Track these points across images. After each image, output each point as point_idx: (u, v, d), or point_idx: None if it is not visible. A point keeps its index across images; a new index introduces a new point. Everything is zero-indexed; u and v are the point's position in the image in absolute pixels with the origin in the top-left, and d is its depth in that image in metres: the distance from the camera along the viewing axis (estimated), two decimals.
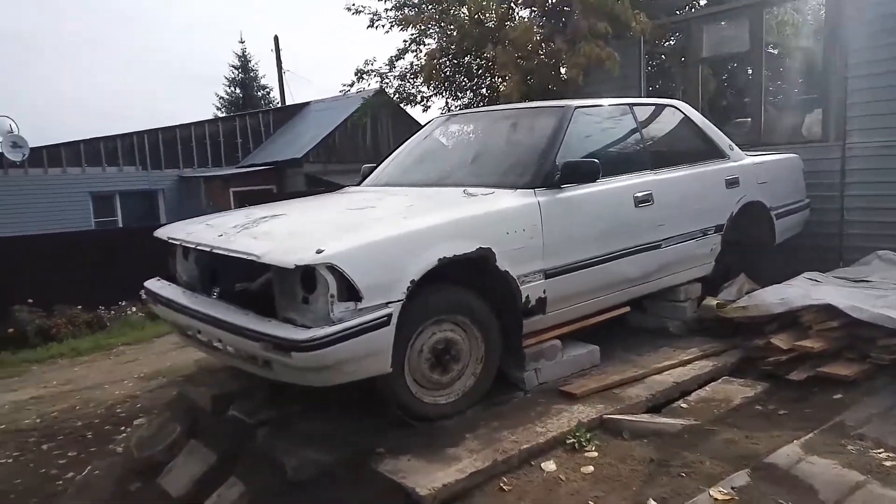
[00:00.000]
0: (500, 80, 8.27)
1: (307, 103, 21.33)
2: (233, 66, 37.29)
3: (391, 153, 4.92)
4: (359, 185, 4.77)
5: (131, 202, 19.17)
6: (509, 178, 3.77)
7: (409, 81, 10.56)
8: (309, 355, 2.82)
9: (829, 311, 3.88)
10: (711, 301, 4.62)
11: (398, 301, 3.00)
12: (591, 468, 3.00)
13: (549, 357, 3.85)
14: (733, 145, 5.05)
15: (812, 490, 2.65)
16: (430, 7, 9.29)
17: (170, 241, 3.76)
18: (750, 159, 5.14)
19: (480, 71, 9.65)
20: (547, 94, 7.28)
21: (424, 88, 10.49)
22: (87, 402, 5.81)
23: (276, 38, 26.26)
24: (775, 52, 8.20)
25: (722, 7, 6.80)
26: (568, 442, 3.18)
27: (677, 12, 7.40)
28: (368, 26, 10.20)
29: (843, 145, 5.77)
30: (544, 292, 3.62)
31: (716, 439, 3.20)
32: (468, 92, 10.63)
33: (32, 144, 16.74)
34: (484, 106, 10.30)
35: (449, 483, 2.81)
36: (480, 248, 3.30)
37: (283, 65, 26.55)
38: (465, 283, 3.36)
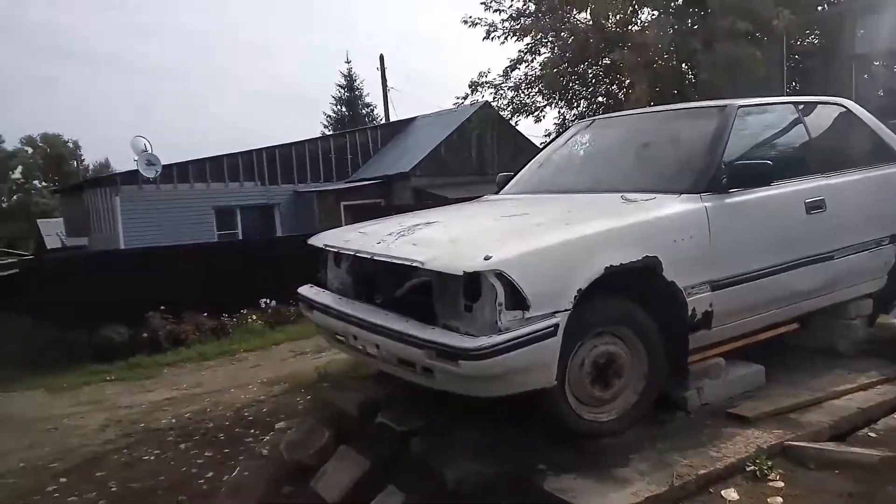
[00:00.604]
0: (624, 86, 8.01)
1: (413, 118, 21.69)
2: (339, 86, 38.78)
3: (530, 160, 4.80)
4: (497, 193, 4.67)
5: (250, 216, 20.04)
6: (672, 183, 3.55)
7: (523, 92, 10.49)
8: (477, 364, 2.72)
9: None
10: (888, 319, 4.20)
11: (565, 311, 2.86)
12: (780, 500, 2.73)
13: (713, 376, 3.58)
14: None
15: None
16: (546, 16, 9.20)
17: (326, 248, 3.79)
18: None
19: (597, 78, 9.45)
20: (678, 100, 6.96)
21: (539, 98, 10.40)
22: (217, 405, 6.01)
23: (381, 57, 26.89)
24: None
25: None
26: (748, 469, 2.93)
27: (818, 8, 6.88)
28: (484, 38, 10.24)
29: None
30: (711, 305, 3.37)
31: None
32: (582, 101, 10.45)
33: (164, 162, 17.83)
34: (601, 114, 10.08)
35: None
36: (647, 256, 3.11)
37: (387, 82, 27.18)
38: (628, 295, 3.17)
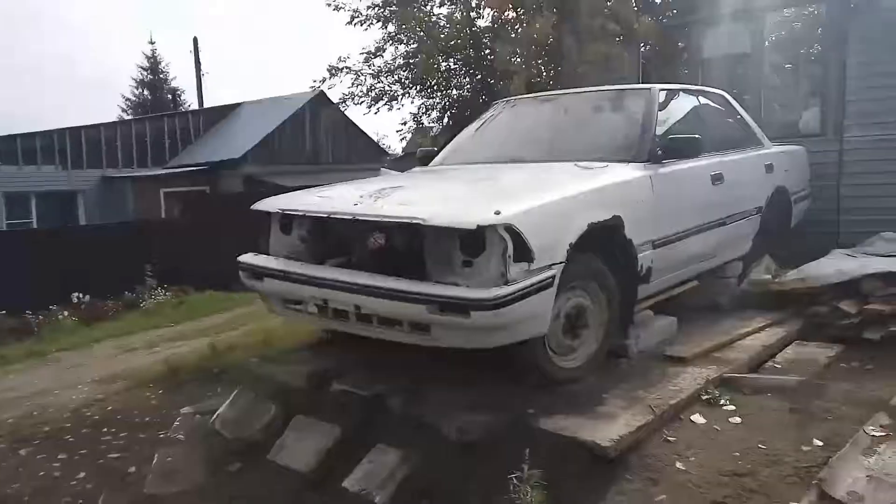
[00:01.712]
0: (498, 77, 8.42)
1: (239, 104, 20.75)
2: (142, 68, 35.88)
3: (455, 136, 4.96)
4: (427, 165, 4.76)
5: (48, 203, 17.97)
6: (618, 153, 3.90)
7: (382, 79, 10.58)
8: (489, 314, 2.84)
9: (888, 278, 4.25)
10: (760, 276, 4.93)
11: (560, 263, 3.07)
12: (739, 419, 3.16)
13: (645, 326, 4.00)
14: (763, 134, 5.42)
15: None
16: (413, 7, 9.40)
17: (284, 212, 3.65)
18: (777, 148, 5.52)
19: (468, 70, 9.80)
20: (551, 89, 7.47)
21: (397, 87, 10.55)
22: (45, 408, 5.40)
23: (195, 40, 25.50)
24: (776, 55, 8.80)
25: (723, 10, 7.25)
26: (703, 398, 3.34)
27: (669, 14, 7.78)
28: (348, 23, 10.17)
29: (840, 139, 6.28)
30: (652, 262, 3.77)
31: (834, 389, 3.45)
32: (437, 93, 10.76)
33: None
34: (457, 106, 10.49)
35: (623, 435, 2.89)
36: (615, 215, 3.41)
37: (201, 66, 25.74)
38: (595, 251, 3.45)
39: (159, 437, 4.30)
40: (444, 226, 2.95)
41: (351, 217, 3.27)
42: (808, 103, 7.31)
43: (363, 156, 19.55)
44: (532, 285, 2.93)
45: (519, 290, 2.87)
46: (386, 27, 10.03)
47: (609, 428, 2.96)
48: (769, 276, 4.87)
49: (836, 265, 4.66)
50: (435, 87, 10.43)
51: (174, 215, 16.34)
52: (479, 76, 9.28)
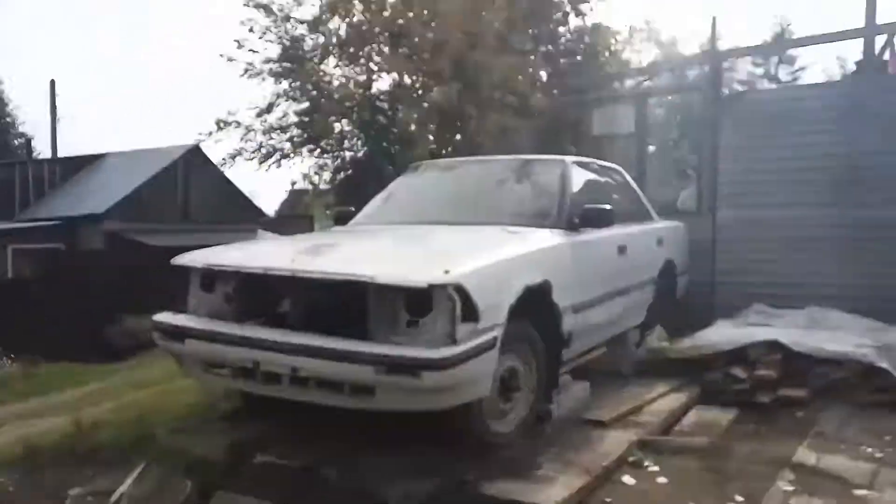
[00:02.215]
0: (397, 142, 8.56)
1: (103, 155, 19.55)
2: None
3: (375, 198, 4.96)
4: (345, 224, 4.72)
5: None
6: (539, 220, 4.08)
7: (272, 136, 10.42)
8: (439, 375, 2.84)
9: (772, 346, 4.67)
10: (656, 344, 5.25)
11: (501, 324, 3.14)
12: (665, 479, 3.32)
13: (565, 391, 4.12)
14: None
15: (843, 478, 3.24)
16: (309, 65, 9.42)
17: (213, 268, 3.47)
18: (664, 223, 5.98)
19: (357, 132, 9.84)
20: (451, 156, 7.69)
21: (287, 145, 10.41)
22: None
23: (52, 83, 23.91)
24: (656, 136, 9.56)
25: (611, 93, 7.88)
26: (630, 460, 3.48)
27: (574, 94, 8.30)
28: (241, 75, 9.99)
29: (713, 217, 6.90)
30: (573, 326, 3.92)
31: (740, 449, 3.71)
32: (329, 154, 10.71)
33: None
34: (348, 169, 10.49)
35: (566, 497, 2.95)
36: (546, 279, 3.54)
37: (57, 111, 24.16)
38: (526, 315, 3.54)
39: None
40: (393, 284, 2.94)
41: (290, 274, 3.17)
42: (684, 183, 8.02)
43: (238, 216, 18.97)
44: (479, 346, 2.97)
45: (467, 351, 2.90)
46: (279, 83, 9.95)
47: (550, 490, 3.01)
48: (666, 344, 5.19)
49: (725, 334, 5.07)
50: (327, 148, 10.40)
51: (24, 275, 14.94)
52: (374, 139, 9.37)
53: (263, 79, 10.08)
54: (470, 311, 2.95)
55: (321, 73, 9.59)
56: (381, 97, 8.98)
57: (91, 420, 7.17)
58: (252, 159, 10.47)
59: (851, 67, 16.68)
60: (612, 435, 3.73)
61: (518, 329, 3.43)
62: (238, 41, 10.03)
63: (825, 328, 5.30)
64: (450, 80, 7.30)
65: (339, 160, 10.66)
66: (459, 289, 2.91)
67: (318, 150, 10.39)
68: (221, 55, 9.89)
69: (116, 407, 8.85)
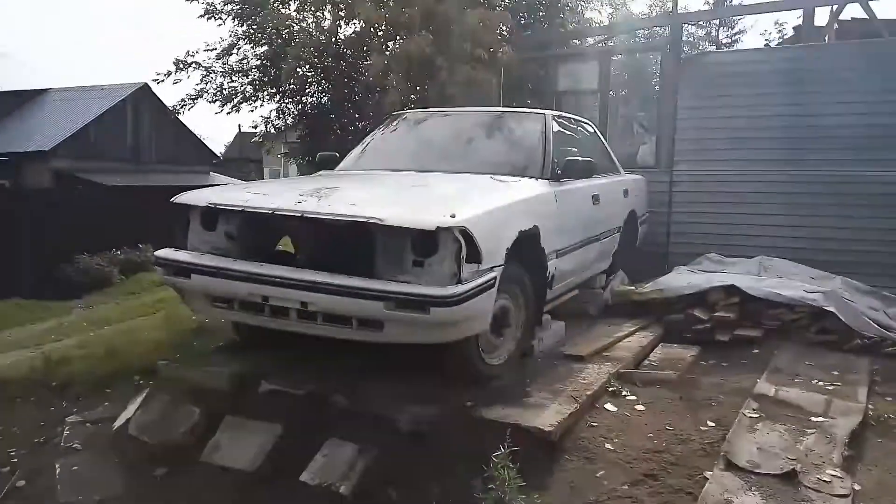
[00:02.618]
0: (368, 91, 8.58)
1: (45, 90, 18.67)
2: None
3: (360, 144, 5.07)
4: (333, 169, 4.84)
5: None
6: (526, 171, 4.30)
7: (233, 78, 10.26)
8: (447, 311, 3.06)
9: (729, 290, 5.06)
10: (620, 288, 5.61)
11: (500, 266, 3.37)
12: (643, 406, 3.66)
13: (545, 328, 4.42)
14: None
15: (801, 407, 3.64)
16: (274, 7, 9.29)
17: (219, 207, 3.56)
18: (628, 175, 6.29)
19: (320, 78, 9.79)
20: (420, 106, 7.80)
21: (249, 88, 10.29)
22: None
23: None
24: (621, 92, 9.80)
25: (574, 50, 8.06)
26: (609, 389, 3.80)
27: (539, 49, 8.45)
28: (201, 16, 9.77)
29: (671, 171, 7.26)
30: (555, 269, 4.20)
31: (706, 381, 4.09)
32: (289, 99, 10.62)
33: None
34: (311, 115, 10.45)
35: (560, 421, 3.25)
36: (535, 225, 3.78)
37: None
38: (516, 258, 3.78)
39: (42, 449, 3.97)
40: (402, 226, 3.13)
41: (300, 214, 3.31)
42: (644, 139, 8.34)
43: (189, 157, 18.58)
44: (481, 285, 3.19)
45: (472, 289, 3.13)
46: (242, 24, 9.79)
47: (545, 415, 3.30)
48: (631, 288, 5.55)
49: (685, 279, 5.46)
50: (288, 92, 10.33)
51: None
52: (337, 86, 9.34)
53: (223, 21, 9.92)
54: (473, 253, 3.17)
55: (287, 18, 9.48)
56: (345, 44, 8.95)
57: (59, 355, 7.23)
58: (214, 101, 10.37)
59: (789, 32, 17.36)
60: (591, 368, 4.05)
61: (510, 271, 3.66)
62: None
63: (775, 275, 5.74)
64: (419, 29, 7.36)
65: (299, 105, 10.62)
66: (465, 232, 3.12)
67: (279, 94, 10.33)
68: None
69: (81, 342, 8.84)
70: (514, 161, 4.44)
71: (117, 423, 3.94)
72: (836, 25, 8.78)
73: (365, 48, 8.31)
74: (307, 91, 10.33)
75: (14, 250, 13.68)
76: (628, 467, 3.06)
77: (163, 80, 10.15)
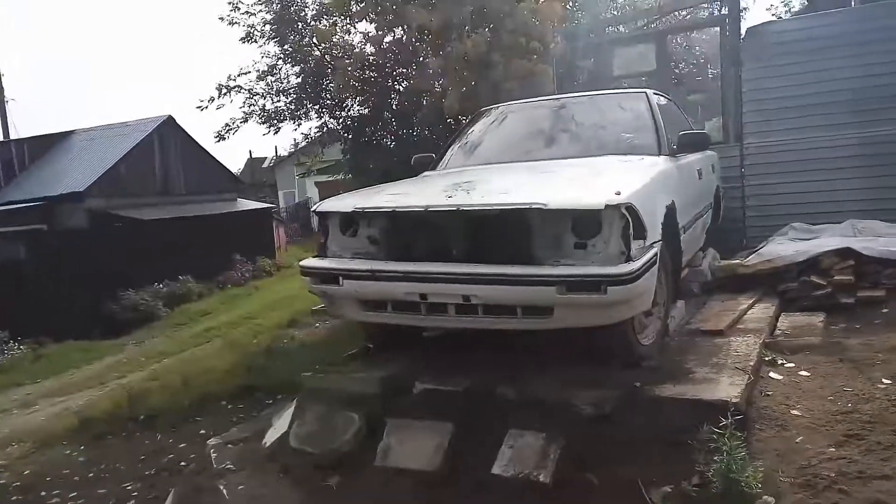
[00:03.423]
0: (419, 94, 8.56)
1: (70, 132, 18.77)
2: None
3: (456, 142, 5.02)
4: (434, 169, 4.80)
5: None
6: (644, 147, 4.25)
7: (272, 99, 10.28)
8: (624, 289, 3.01)
9: (844, 253, 4.99)
10: (724, 262, 5.56)
11: (658, 241, 3.33)
12: (806, 372, 3.60)
13: (678, 306, 4.36)
14: None
15: None
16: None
17: (367, 211, 3.53)
18: (710, 151, 6.22)
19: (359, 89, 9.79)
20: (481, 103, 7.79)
21: (292, 106, 10.30)
22: None
23: None
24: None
25: (631, 33, 8.03)
26: (766, 359, 3.74)
27: (590, 35, 8.44)
28: (242, 39, 9.81)
29: (741, 145, 7.20)
30: (683, 245, 4.14)
31: (852, 343, 4.02)
32: (327, 113, 10.63)
33: None
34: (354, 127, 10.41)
35: (740, 392, 3.18)
36: (673, 200, 3.74)
37: (4, 93, 23.07)
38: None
39: (184, 474, 3.97)
40: (568, 208, 3.09)
41: (455, 208, 3.27)
42: (710, 114, 8.28)
43: (216, 185, 18.63)
44: (649, 261, 3.15)
45: (643, 266, 3.09)
46: (282, 45, 9.83)
47: (722, 388, 3.24)
48: (736, 262, 5.48)
49: (790, 248, 5.38)
50: (328, 108, 10.35)
51: (16, 257, 14.46)
52: (378, 96, 9.32)
53: (260, 42, 9.95)
54: (639, 230, 3.13)
55: (327, 32, 9.50)
56: (390, 52, 8.92)
57: (137, 389, 7.26)
58: (262, 122, 10.38)
59: (795, 6, 17.23)
60: (736, 340, 3.98)
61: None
62: (233, 3, 9.86)
63: (872, 236, 5.66)
64: (472, 27, 7.34)
65: (339, 120, 10.62)
66: (630, 208, 3.08)
67: (322, 109, 10.33)
68: (222, 18, 9.69)
69: (152, 375, 8.91)
70: (630, 140, 4.39)
71: (269, 439, 3.92)
72: None
73: (417, 53, 8.26)
74: (345, 105, 10.32)
75: (59, 292, 13.76)
76: (825, 430, 3.00)
77: (206, 107, 10.14)
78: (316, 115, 10.25)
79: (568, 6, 8.87)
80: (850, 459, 2.76)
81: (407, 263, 3.39)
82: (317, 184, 28.12)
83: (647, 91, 4.81)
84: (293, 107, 10.09)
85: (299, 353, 8.41)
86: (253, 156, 38.35)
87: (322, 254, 3.76)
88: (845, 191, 6.59)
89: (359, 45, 9.40)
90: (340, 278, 3.53)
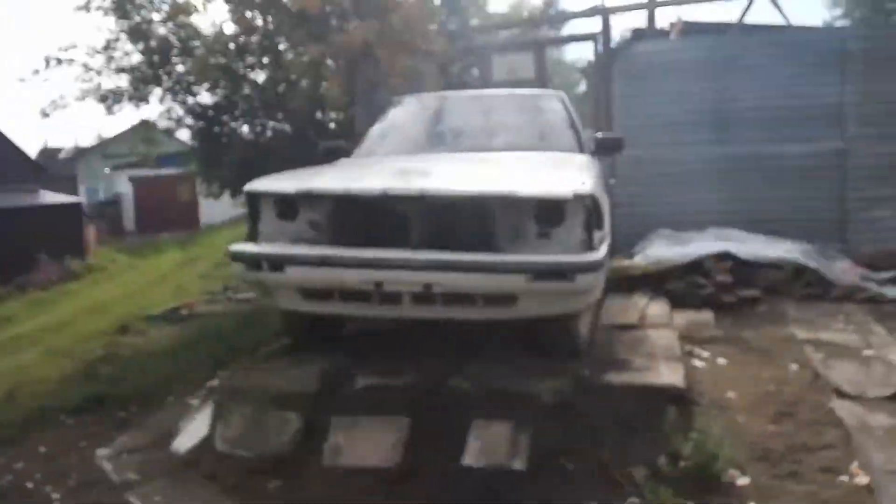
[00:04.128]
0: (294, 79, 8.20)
1: None
2: None
3: (372, 131, 4.84)
4: (351, 157, 4.59)
5: None
6: (570, 146, 4.36)
7: (108, 76, 9.32)
8: (591, 277, 3.08)
9: (722, 256, 5.48)
10: (617, 264, 5.87)
11: (608, 233, 3.43)
12: (723, 360, 3.92)
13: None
14: None
15: (848, 346, 4.08)
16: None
17: (314, 193, 3.28)
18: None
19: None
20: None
21: (131, 88, 9.38)
22: None
23: None
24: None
25: (511, 40, 8.22)
26: (686, 350, 3.98)
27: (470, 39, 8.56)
28: (79, 7, 8.77)
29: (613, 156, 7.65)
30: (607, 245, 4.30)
31: (749, 335, 4.40)
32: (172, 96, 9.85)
33: None
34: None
35: (682, 378, 3.37)
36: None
37: None
38: None
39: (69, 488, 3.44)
40: (538, 196, 3.10)
41: (418, 193, 3.14)
42: (584, 124, 8.69)
43: (14, 173, 16.58)
44: (607, 251, 3.23)
45: (605, 255, 3.16)
46: (124, 18, 8.96)
47: (665, 375, 3.40)
48: (627, 262, 5.81)
49: (671, 251, 5.81)
50: (173, 91, 9.59)
51: None
52: (235, 83, 8.81)
53: (96, 12, 9.01)
54: (598, 221, 3.21)
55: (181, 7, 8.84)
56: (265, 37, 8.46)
57: None
58: (102, 101, 9.36)
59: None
60: (654, 333, 4.18)
61: None
62: None
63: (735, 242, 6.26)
64: (359, 17, 7.19)
65: (191, 107, 9.90)
66: (593, 199, 3.14)
67: (166, 92, 9.57)
68: None
69: None
70: (553, 138, 4.48)
71: (182, 446, 3.53)
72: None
73: (294, 41, 7.92)
74: (193, 91, 9.66)
75: None
76: (760, 411, 3.25)
77: (25, 80, 8.90)
78: (159, 100, 9.46)
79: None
80: (791, 434, 3.01)
81: (362, 250, 3.20)
82: (132, 178, 25.91)
83: (559, 93, 4.97)
84: (134, 87, 9.23)
85: (148, 361, 7.71)
86: (48, 145, 34.63)
87: (252, 239, 3.45)
88: (706, 201, 7.24)
89: (219, 25, 8.83)
90: (284, 265, 3.26)
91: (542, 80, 7.99)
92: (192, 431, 3.58)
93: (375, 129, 4.84)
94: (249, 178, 3.60)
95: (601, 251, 3.14)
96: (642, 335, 4.18)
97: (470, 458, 2.96)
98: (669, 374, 3.39)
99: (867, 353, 3.91)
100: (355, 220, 3.32)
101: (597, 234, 3.18)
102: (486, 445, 3.00)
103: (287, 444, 3.26)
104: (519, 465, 2.90)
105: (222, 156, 9.48)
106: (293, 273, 3.25)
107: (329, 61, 7.51)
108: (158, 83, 9.43)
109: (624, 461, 2.89)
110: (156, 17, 9.06)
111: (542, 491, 2.80)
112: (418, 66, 7.42)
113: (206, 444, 3.40)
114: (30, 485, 3.60)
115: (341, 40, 7.07)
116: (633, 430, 3.06)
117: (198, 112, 9.65)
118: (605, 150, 4.57)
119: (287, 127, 9.01)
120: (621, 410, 3.15)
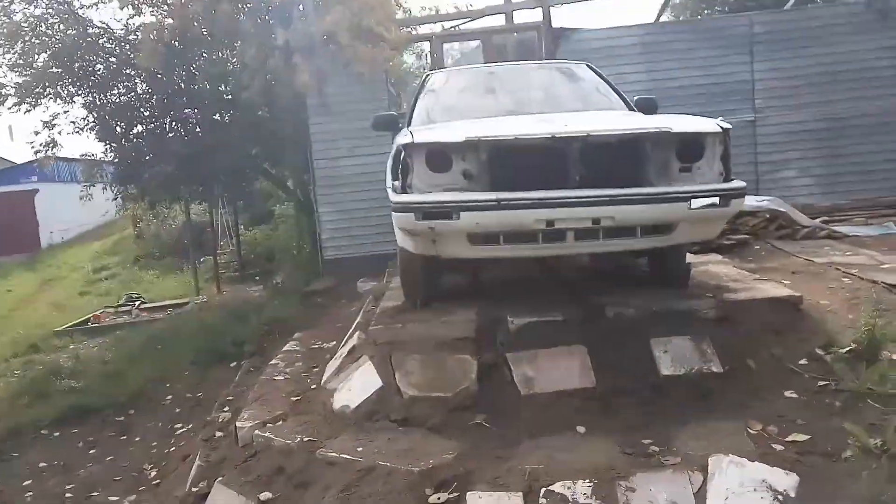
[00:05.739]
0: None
1: None
2: None
3: (419, 102, 4.84)
4: (407, 127, 4.55)
5: None
6: (623, 105, 4.72)
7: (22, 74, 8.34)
8: (741, 201, 3.52)
9: None
10: None
11: None
12: (787, 281, 4.46)
13: None
14: None
15: (857, 265, 4.79)
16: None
17: (482, 140, 3.37)
18: None
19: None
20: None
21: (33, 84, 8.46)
22: None
23: None
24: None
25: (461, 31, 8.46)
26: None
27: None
28: None
29: None
30: None
31: (777, 265, 5.03)
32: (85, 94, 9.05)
33: None
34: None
35: (789, 291, 3.90)
36: None
37: None
38: None
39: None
40: (692, 131, 3.46)
41: (585, 135, 3.37)
42: None
43: None
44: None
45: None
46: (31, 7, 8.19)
47: (774, 290, 3.97)
48: None
49: None
50: (88, 89, 8.87)
51: None
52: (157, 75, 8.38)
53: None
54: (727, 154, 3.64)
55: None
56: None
57: None
58: (3, 101, 8.38)
59: None
60: (715, 268, 4.72)
61: None
62: None
63: None
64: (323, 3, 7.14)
65: (104, 103, 9.13)
66: (728, 134, 3.56)
67: (83, 91, 8.79)
68: None
69: None
70: (607, 99, 4.81)
71: (350, 401, 3.48)
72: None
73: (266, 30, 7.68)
74: (114, 87, 9.05)
75: None
76: (847, 309, 3.80)
77: None
78: (62, 101, 8.61)
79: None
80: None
81: (534, 192, 3.36)
82: None
83: (584, 63, 5.36)
84: (35, 85, 8.35)
85: (114, 369, 7.24)
86: None
87: (404, 192, 3.48)
88: None
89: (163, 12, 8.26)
90: (458, 211, 3.33)
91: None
92: (354, 387, 3.53)
93: (423, 102, 4.84)
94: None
95: (740, 182, 3.56)
96: (704, 269, 4.67)
97: (666, 369, 3.29)
98: (776, 290, 3.91)
99: (886, 266, 4.67)
100: (514, 165, 3.47)
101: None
102: (676, 357, 3.33)
103: (474, 382, 3.36)
104: (716, 367, 3.26)
105: (144, 158, 8.90)
106: (467, 218, 3.33)
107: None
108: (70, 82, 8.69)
109: (789, 356, 3.35)
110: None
111: (742, 386, 3.18)
112: (383, 53, 7.52)
113: (384, 393, 3.40)
114: None
115: (304, 27, 7.06)
116: (779, 333, 3.52)
117: (113, 109, 8.98)
118: (644, 111, 5.01)
119: (232, 126, 8.68)
120: (763, 319, 3.60)
